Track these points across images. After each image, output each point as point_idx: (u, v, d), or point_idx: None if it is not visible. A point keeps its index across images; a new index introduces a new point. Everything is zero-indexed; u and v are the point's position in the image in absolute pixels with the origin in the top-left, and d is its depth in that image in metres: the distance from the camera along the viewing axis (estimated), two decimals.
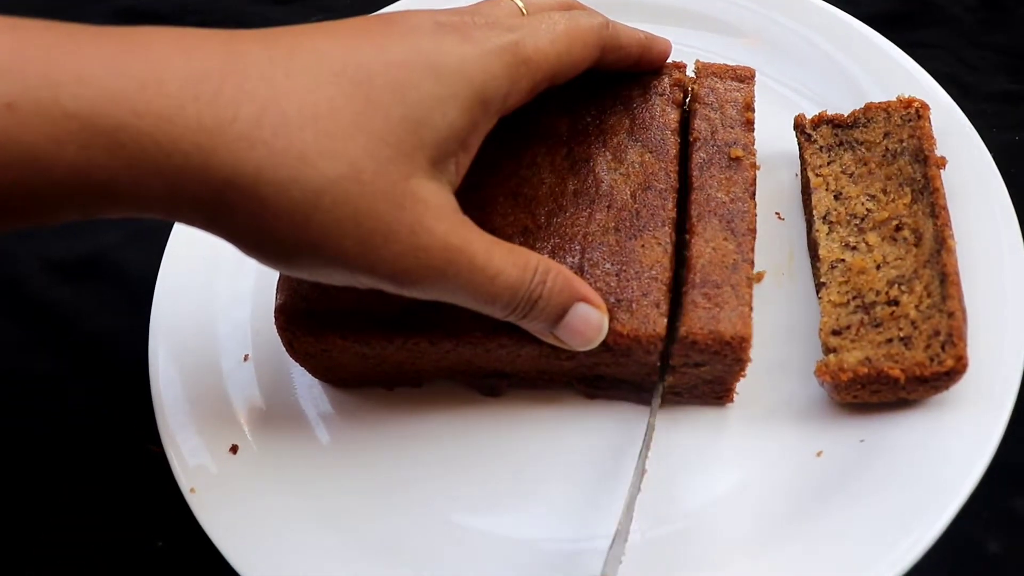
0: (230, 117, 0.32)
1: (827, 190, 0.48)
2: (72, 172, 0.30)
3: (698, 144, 0.45)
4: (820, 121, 0.50)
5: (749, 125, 0.46)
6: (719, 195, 0.44)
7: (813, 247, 0.48)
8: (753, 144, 0.46)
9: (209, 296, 0.52)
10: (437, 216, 0.35)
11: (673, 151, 0.45)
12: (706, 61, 0.48)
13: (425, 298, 0.37)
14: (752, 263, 0.43)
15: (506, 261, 0.37)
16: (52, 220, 0.33)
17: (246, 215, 0.33)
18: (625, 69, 0.46)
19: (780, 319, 0.48)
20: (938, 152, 0.47)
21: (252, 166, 0.32)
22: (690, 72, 0.48)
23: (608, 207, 0.44)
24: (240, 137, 0.32)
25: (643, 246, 0.43)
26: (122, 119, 0.30)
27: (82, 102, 0.30)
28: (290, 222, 0.33)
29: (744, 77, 0.47)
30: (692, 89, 0.47)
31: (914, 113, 0.48)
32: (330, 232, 0.33)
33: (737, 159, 0.45)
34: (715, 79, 0.47)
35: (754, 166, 0.45)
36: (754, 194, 0.44)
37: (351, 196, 0.33)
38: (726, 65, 0.48)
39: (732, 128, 0.46)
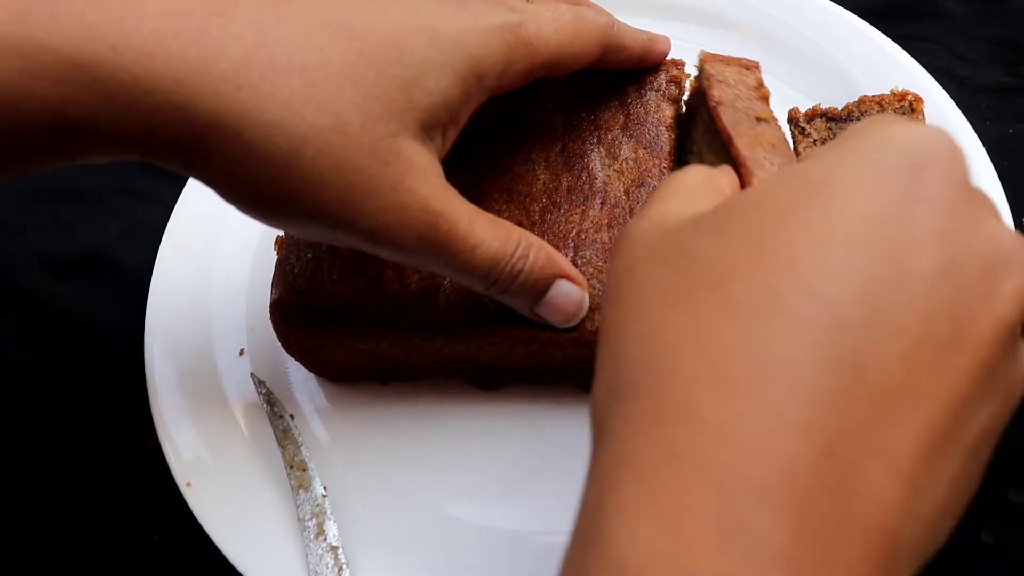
0: (215, 56, 0.31)
1: None
2: (47, 109, 0.30)
3: (721, 108, 0.42)
4: (814, 115, 0.50)
5: (765, 100, 0.45)
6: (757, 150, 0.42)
7: None
8: (774, 115, 0.43)
9: (204, 292, 0.52)
10: (420, 178, 0.35)
11: (668, 147, 0.45)
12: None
13: (405, 262, 0.37)
14: None
15: (488, 232, 0.37)
16: (35, 163, 0.32)
17: (226, 159, 0.32)
18: (625, 69, 0.46)
19: None
20: None
21: (237, 108, 0.31)
22: (690, 68, 0.48)
23: (602, 204, 0.44)
24: (225, 78, 0.31)
25: None
26: (99, 53, 0.29)
27: (57, 36, 0.29)
28: (271, 169, 0.32)
29: (750, 66, 0.47)
30: (704, 69, 0.46)
31: (908, 106, 0.48)
32: (311, 182, 0.33)
33: (764, 120, 0.43)
34: (722, 64, 0.47)
35: (780, 129, 0.42)
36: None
37: (335, 147, 0.32)
38: (731, 56, 0.47)
39: (750, 100, 0.45)
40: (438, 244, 0.36)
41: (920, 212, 0.24)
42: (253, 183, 0.33)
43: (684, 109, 0.49)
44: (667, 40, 0.47)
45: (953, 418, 0.24)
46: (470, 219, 0.36)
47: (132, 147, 0.32)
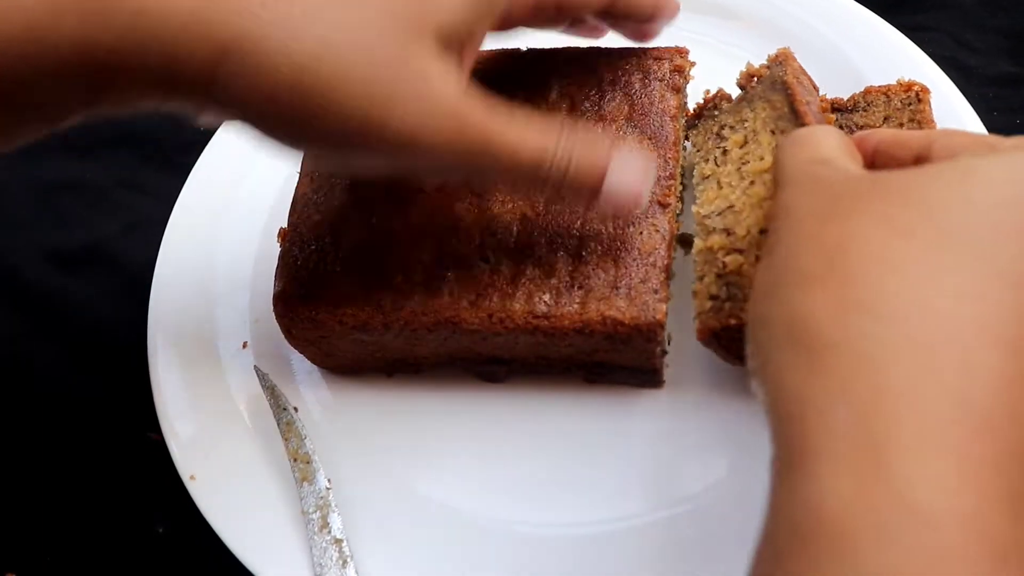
0: None
1: None
2: (72, 45, 0.30)
3: (809, 109, 0.43)
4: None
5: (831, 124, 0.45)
6: None
7: None
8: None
9: (207, 284, 0.52)
10: (445, 83, 0.35)
11: (672, 137, 0.45)
12: (709, 46, 0.47)
13: (448, 176, 0.37)
14: None
15: (527, 125, 0.36)
16: (61, 112, 0.33)
17: (247, 81, 0.32)
18: (633, 33, 0.45)
19: None
20: None
21: (255, 27, 0.32)
22: (693, 56, 0.48)
23: None
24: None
25: (641, 233, 0.43)
26: None
27: None
28: (292, 84, 0.32)
29: (816, 87, 0.47)
30: (790, 64, 0.45)
31: (914, 97, 0.48)
32: (334, 95, 0.33)
33: None
34: (801, 72, 0.46)
35: None
36: None
37: (356, 63, 0.33)
38: (802, 68, 0.47)
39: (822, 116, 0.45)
40: (474, 144, 0.35)
41: None
42: (276, 102, 0.33)
43: (687, 105, 0.49)
44: (676, 4, 0.46)
45: None
46: (507, 116, 0.36)
47: (155, 83, 0.32)
